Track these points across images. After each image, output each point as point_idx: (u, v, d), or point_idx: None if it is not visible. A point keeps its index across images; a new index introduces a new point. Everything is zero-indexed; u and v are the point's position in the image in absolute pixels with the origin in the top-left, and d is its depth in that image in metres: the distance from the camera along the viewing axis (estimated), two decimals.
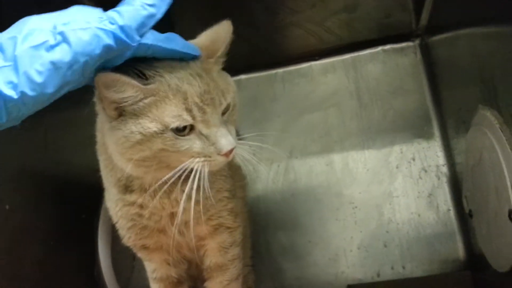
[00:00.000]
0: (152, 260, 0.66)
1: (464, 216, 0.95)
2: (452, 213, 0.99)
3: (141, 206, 0.58)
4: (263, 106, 1.15)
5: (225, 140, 0.51)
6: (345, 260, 1.01)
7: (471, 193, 0.82)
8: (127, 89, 0.47)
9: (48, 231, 0.63)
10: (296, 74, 1.15)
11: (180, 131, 0.49)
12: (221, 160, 0.52)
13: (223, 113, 0.52)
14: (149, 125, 0.49)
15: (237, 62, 0.60)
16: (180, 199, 0.55)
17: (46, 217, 0.64)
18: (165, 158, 0.51)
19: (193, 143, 0.50)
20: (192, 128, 0.50)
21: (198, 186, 0.52)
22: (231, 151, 0.51)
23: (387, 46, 1.10)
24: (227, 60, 0.59)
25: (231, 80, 0.57)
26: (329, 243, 1.04)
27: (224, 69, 0.58)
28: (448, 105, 0.97)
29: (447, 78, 0.96)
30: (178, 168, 0.51)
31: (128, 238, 0.64)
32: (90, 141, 0.81)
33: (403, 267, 0.97)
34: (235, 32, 1.01)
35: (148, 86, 0.48)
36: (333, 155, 1.09)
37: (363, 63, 1.11)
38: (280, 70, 1.16)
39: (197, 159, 0.51)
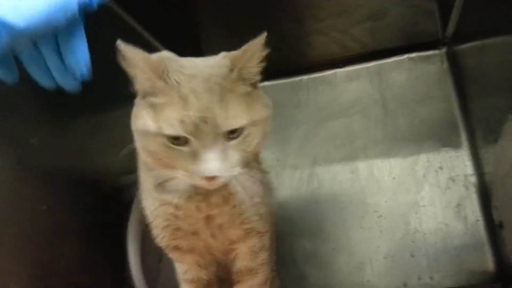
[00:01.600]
0: (184, 261, 0.66)
1: (493, 227, 0.93)
2: (480, 224, 0.97)
3: (176, 207, 0.58)
4: (287, 113, 1.15)
5: (209, 165, 0.47)
6: (371, 269, 1.00)
7: (501, 204, 0.81)
8: (144, 76, 0.49)
9: (80, 232, 0.64)
10: (320, 81, 1.15)
11: (175, 139, 0.49)
12: (200, 183, 0.49)
13: (230, 138, 0.50)
14: (150, 122, 0.49)
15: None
16: (217, 203, 0.56)
17: (79, 218, 0.65)
18: (160, 160, 0.51)
19: (182, 155, 0.49)
20: (187, 141, 0.49)
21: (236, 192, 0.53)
22: (213, 178, 0.48)
23: (413, 54, 1.09)
24: None
25: (263, 108, 0.53)
26: (353, 251, 1.02)
27: None
28: (476, 114, 0.95)
29: (475, 86, 0.94)
30: (167, 173, 0.51)
31: (162, 238, 0.64)
32: (121, 143, 0.83)
33: (431, 278, 0.95)
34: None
35: (163, 85, 0.48)
36: (357, 163, 1.08)
37: (388, 71, 1.11)
38: (305, 77, 1.16)
39: (181, 171, 0.49)
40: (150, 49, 0.51)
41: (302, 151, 1.11)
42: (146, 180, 0.61)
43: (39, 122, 0.60)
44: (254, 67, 0.53)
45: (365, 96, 1.11)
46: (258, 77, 0.54)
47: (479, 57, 0.88)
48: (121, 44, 0.48)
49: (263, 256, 0.66)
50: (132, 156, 0.64)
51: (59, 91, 0.58)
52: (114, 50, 0.53)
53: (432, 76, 1.07)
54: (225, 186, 0.53)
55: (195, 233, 0.62)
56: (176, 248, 0.65)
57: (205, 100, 0.48)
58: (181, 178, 0.51)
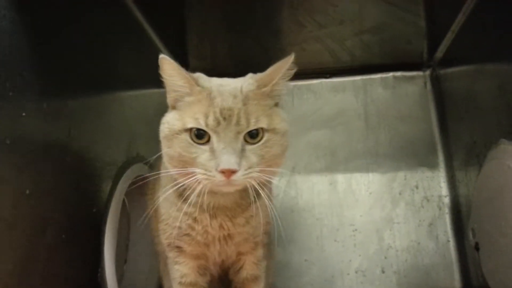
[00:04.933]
0: (184, 264, 0.65)
1: (463, 248, 0.96)
2: (451, 244, 1.00)
3: (196, 220, 0.60)
4: None
5: (227, 157, 0.51)
6: (342, 283, 0.99)
7: (480, 225, 0.83)
8: (179, 78, 0.55)
9: (61, 223, 0.58)
10: (305, 89, 1.14)
11: (198, 137, 0.54)
12: (219, 179, 0.52)
13: (250, 143, 0.54)
14: (176, 121, 0.55)
15: (251, 69, 0.61)
16: (241, 223, 0.61)
17: (61, 208, 0.59)
18: (184, 163, 0.54)
19: (202, 152, 0.53)
20: (208, 140, 0.53)
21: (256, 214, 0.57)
22: (229, 172, 0.51)
23: (398, 73, 1.12)
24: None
25: (281, 121, 0.58)
26: (326, 264, 1.01)
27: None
28: (457, 137, 0.98)
29: (457, 110, 0.97)
30: (186, 181, 0.54)
31: (169, 234, 0.63)
32: (109, 133, 0.76)
33: None
34: (257, 39, 0.99)
35: (196, 86, 0.55)
36: (336, 175, 1.07)
37: (373, 87, 1.12)
38: (290, 84, 1.14)
39: (199, 170, 0.53)
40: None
41: None
42: (168, 180, 0.60)
43: (34, 95, 0.54)
44: (280, 85, 0.58)
45: (348, 109, 1.11)
46: (281, 96, 0.60)
47: (465, 82, 0.90)
48: (162, 57, 0.55)
49: (264, 264, 0.71)
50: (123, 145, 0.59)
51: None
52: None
53: (414, 96, 1.10)
54: (248, 208, 0.59)
55: (206, 244, 0.63)
56: (179, 249, 0.64)
57: (230, 102, 0.54)
58: (200, 178, 0.53)
